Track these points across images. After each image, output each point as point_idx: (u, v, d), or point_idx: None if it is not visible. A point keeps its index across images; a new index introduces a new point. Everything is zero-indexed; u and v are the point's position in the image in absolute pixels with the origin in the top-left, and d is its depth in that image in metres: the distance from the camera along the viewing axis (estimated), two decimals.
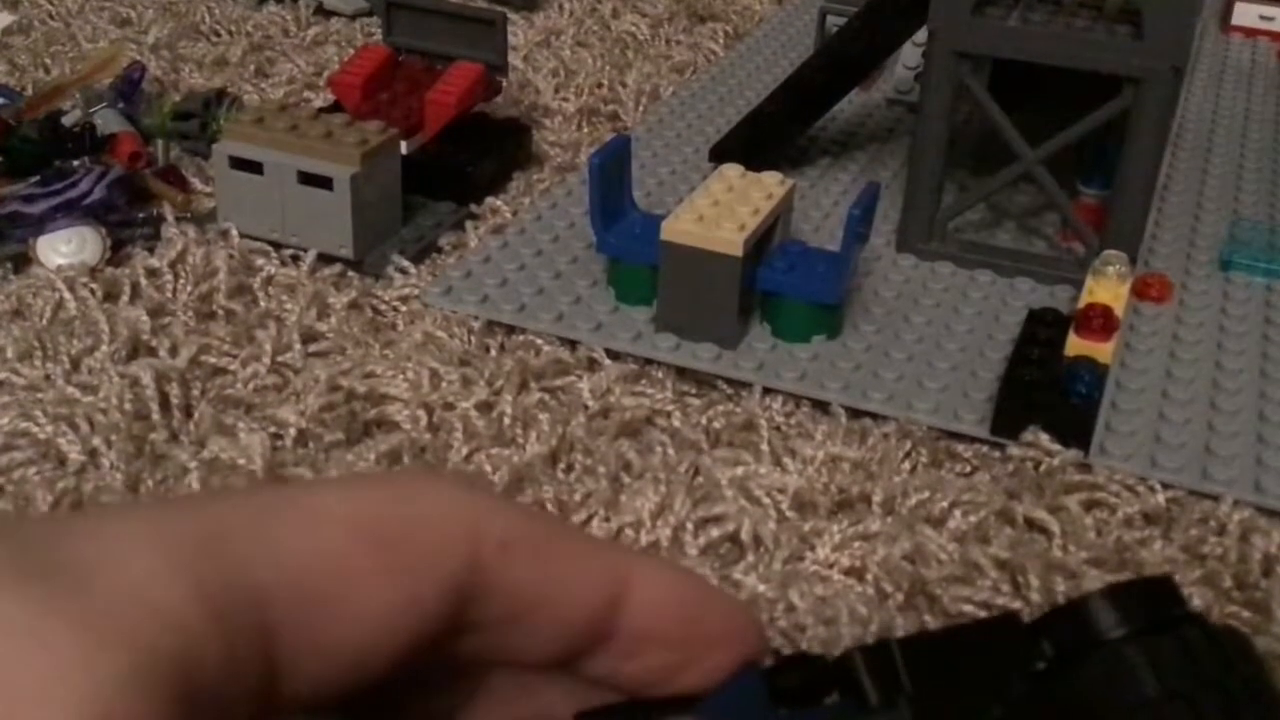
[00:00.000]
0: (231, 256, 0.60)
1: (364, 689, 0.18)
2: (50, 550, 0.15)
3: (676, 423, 0.51)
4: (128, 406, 0.49)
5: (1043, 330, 0.54)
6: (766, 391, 0.53)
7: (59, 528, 0.16)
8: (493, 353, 0.55)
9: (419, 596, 0.18)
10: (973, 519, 0.45)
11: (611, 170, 0.57)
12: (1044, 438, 0.49)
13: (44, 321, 0.55)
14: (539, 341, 0.56)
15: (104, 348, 0.53)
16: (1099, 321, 0.52)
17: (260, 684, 0.16)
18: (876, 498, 0.46)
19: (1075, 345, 0.51)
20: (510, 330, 0.57)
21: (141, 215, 0.64)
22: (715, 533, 0.44)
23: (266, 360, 0.53)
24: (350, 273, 0.61)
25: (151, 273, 0.59)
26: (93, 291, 0.57)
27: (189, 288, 0.58)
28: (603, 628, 0.20)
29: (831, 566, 0.43)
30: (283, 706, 0.17)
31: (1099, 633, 0.19)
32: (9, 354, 0.52)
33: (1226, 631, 0.19)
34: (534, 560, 0.19)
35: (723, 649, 0.21)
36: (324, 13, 0.96)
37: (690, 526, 0.45)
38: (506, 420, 0.50)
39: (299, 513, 0.17)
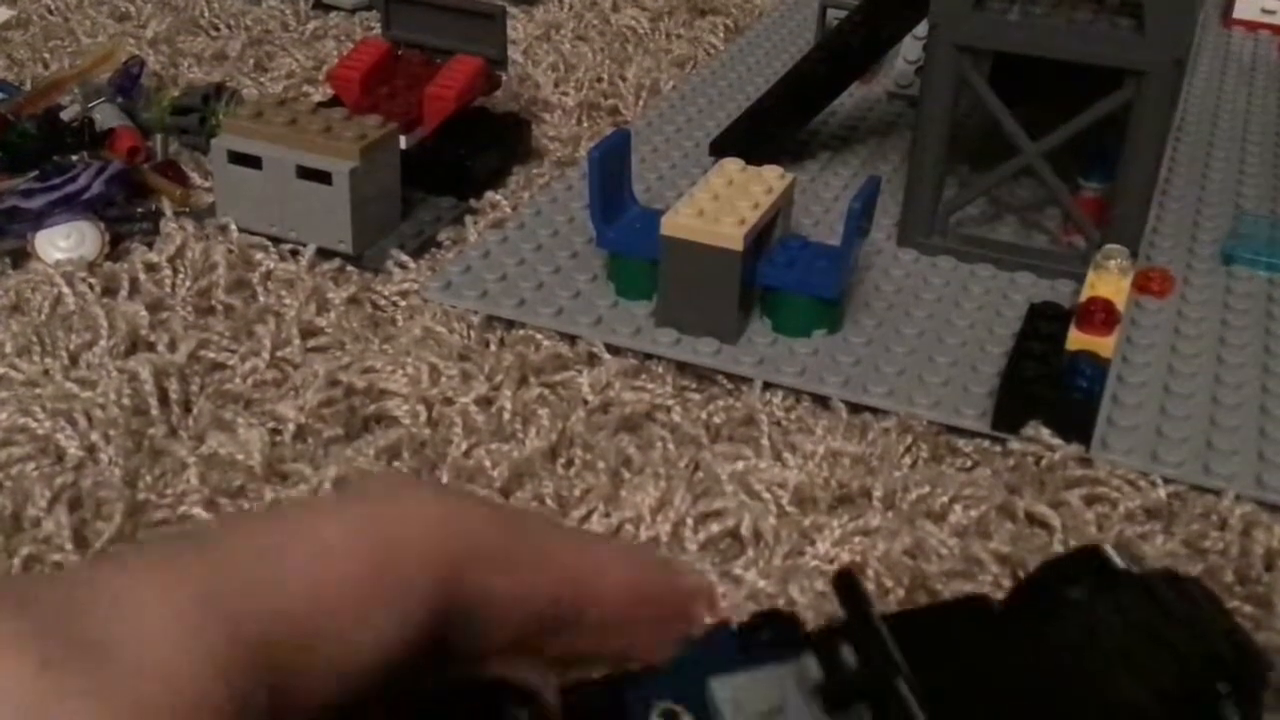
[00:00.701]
0: (230, 251, 0.60)
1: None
2: (69, 626, 0.16)
3: (676, 417, 0.51)
4: (126, 401, 0.49)
5: (1044, 324, 0.54)
6: (767, 386, 0.53)
7: (74, 597, 0.17)
8: (492, 348, 0.55)
9: (410, 614, 0.19)
10: (973, 514, 0.45)
11: (611, 164, 0.57)
12: (1045, 432, 0.49)
13: (42, 316, 0.55)
14: (538, 336, 0.56)
15: (102, 343, 0.53)
16: (1100, 316, 0.51)
17: (268, 714, 0.17)
18: (877, 493, 0.46)
19: (1076, 340, 0.51)
20: (510, 325, 0.57)
21: (140, 210, 0.64)
22: (715, 528, 0.44)
23: (265, 355, 0.53)
24: (349, 267, 0.60)
25: (150, 268, 0.59)
26: (91, 286, 0.57)
27: (188, 283, 0.58)
28: (567, 614, 0.21)
29: (832, 561, 0.43)
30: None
31: (1066, 593, 0.20)
32: (7, 349, 0.52)
33: (1185, 577, 0.20)
34: (507, 565, 0.20)
35: (677, 622, 0.22)
36: (323, 7, 0.95)
37: (690, 522, 0.44)
38: (506, 415, 0.50)
39: (301, 550, 0.18)
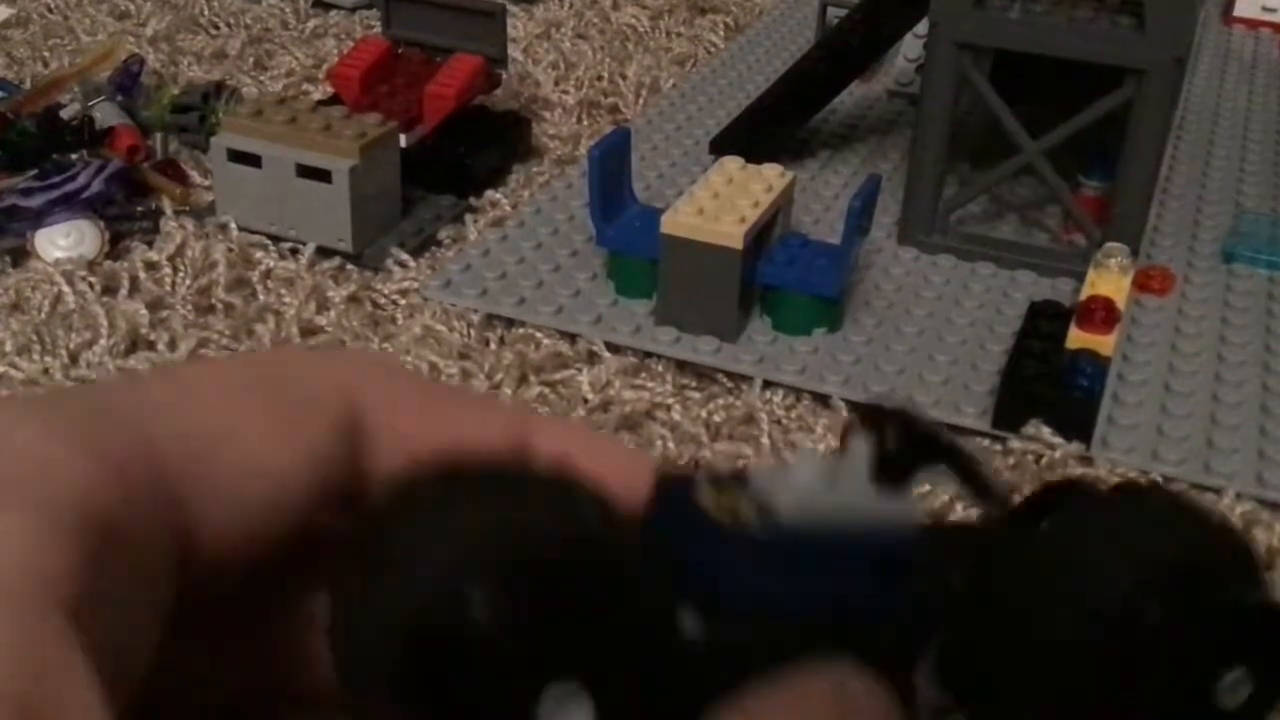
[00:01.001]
0: (230, 250, 0.59)
1: (279, 550, 0.18)
2: None
3: (677, 416, 0.51)
4: None
5: (1044, 323, 0.54)
6: (767, 385, 0.53)
7: None
8: (492, 346, 0.55)
9: (308, 435, 0.18)
10: (974, 512, 0.45)
11: (611, 163, 0.57)
12: (1046, 431, 0.49)
13: (42, 315, 0.55)
14: (538, 335, 0.56)
15: (102, 341, 0.53)
16: (1101, 314, 0.51)
17: (173, 535, 0.16)
18: None
19: (1077, 338, 0.51)
20: (510, 323, 0.57)
21: (140, 208, 0.64)
22: None
23: None
24: (349, 266, 0.60)
25: (150, 266, 0.59)
26: (91, 285, 0.57)
27: (188, 281, 0.58)
28: None
29: None
30: (203, 562, 0.17)
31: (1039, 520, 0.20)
32: (7, 347, 0.52)
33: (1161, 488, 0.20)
34: (424, 409, 0.19)
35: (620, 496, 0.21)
36: (323, 5, 0.95)
37: None
38: None
39: (178, 382, 0.18)
